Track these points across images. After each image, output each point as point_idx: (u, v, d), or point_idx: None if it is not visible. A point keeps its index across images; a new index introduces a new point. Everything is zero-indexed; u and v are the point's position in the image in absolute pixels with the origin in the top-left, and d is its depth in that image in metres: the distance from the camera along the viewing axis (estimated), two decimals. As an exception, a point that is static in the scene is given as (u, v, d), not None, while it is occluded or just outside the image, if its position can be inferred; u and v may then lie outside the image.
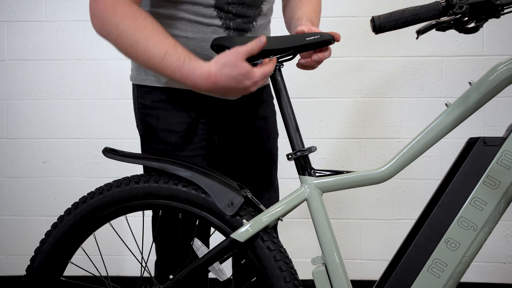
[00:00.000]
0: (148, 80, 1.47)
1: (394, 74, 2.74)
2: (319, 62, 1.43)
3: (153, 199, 1.37)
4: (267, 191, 1.61)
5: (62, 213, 1.41)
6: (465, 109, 1.25)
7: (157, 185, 1.36)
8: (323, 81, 2.75)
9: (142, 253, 1.45)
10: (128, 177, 1.40)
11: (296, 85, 2.73)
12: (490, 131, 2.68)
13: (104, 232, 1.46)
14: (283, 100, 1.35)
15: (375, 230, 2.77)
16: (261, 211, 1.35)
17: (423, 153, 1.29)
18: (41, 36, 2.81)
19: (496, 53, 2.68)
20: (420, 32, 1.17)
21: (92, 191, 1.41)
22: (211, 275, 1.37)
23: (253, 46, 1.26)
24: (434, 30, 1.19)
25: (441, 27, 1.19)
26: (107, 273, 1.56)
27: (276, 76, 1.36)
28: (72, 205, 1.41)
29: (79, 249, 1.43)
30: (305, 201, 1.32)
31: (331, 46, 1.42)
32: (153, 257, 1.57)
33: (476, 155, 1.24)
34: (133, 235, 1.47)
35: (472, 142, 1.27)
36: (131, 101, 1.56)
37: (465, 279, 2.76)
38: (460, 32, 1.18)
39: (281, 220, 1.35)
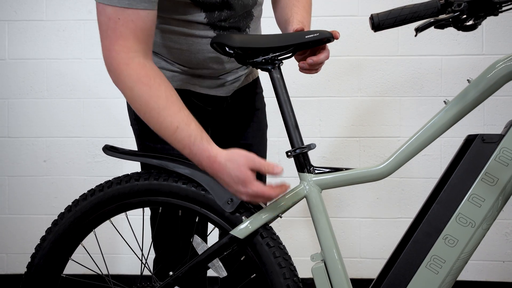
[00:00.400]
0: None
1: (393, 73, 2.74)
2: (319, 64, 1.43)
3: (153, 196, 1.38)
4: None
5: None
6: (464, 107, 1.26)
7: (157, 182, 1.37)
8: (323, 80, 2.76)
9: (142, 250, 1.45)
10: (128, 174, 1.41)
11: (296, 84, 2.74)
12: (490, 130, 2.69)
13: (98, 231, 1.47)
14: (282, 98, 1.36)
15: (375, 229, 2.78)
16: (260, 208, 1.35)
17: (423, 151, 1.29)
18: (42, 35, 2.82)
19: (495, 52, 2.69)
20: (418, 30, 1.18)
21: (92, 188, 1.41)
22: (210, 273, 1.38)
23: (267, 168, 1.25)
24: (434, 29, 1.20)
25: (440, 25, 1.20)
26: (108, 271, 1.57)
27: (275, 74, 1.36)
28: (72, 202, 1.42)
29: (79, 247, 1.43)
30: (305, 198, 1.32)
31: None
32: (151, 255, 1.57)
33: (474, 152, 1.25)
34: (133, 232, 1.48)
35: (470, 139, 1.28)
36: None
37: (464, 277, 2.77)
38: (458, 29, 1.19)
39: (281, 217, 1.35)
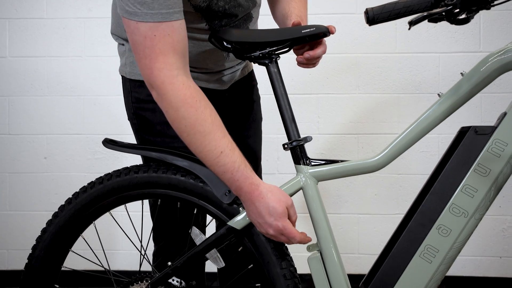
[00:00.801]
0: None
1: (391, 71, 2.76)
2: (316, 58, 1.45)
3: (152, 188, 1.40)
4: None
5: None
6: (457, 99, 1.28)
7: (156, 175, 1.39)
8: (321, 77, 2.78)
9: (141, 242, 1.47)
10: (127, 167, 1.43)
11: (295, 81, 2.76)
12: (487, 127, 2.70)
13: (98, 227, 1.49)
14: (279, 91, 1.37)
15: (372, 225, 2.79)
16: None
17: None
18: (42, 33, 2.84)
19: (492, 50, 2.69)
20: (412, 23, 1.20)
21: (92, 181, 1.43)
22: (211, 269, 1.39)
23: (299, 238, 1.27)
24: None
25: (433, 19, 1.22)
26: (108, 263, 1.59)
27: (272, 68, 1.38)
28: (72, 195, 1.44)
29: (80, 241, 1.45)
30: (301, 190, 1.34)
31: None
32: (151, 250, 1.60)
33: (467, 144, 1.27)
34: (132, 224, 1.50)
35: (463, 131, 1.30)
36: None
37: (462, 273, 2.79)
38: (451, 23, 1.21)
39: (277, 209, 1.37)
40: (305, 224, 2.82)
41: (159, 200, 1.47)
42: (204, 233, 1.53)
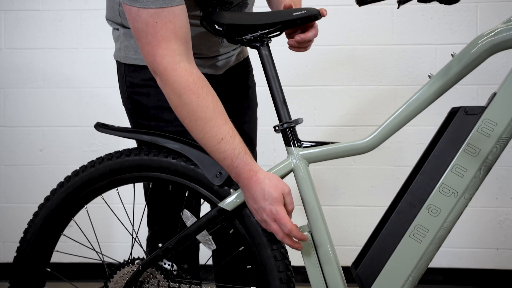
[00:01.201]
0: (139, 60, 1.47)
1: (388, 62, 2.76)
2: (307, 41, 1.45)
3: (143, 171, 1.40)
4: None
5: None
6: (447, 80, 1.27)
7: (147, 158, 1.39)
8: (317, 69, 2.78)
9: (133, 225, 1.47)
10: (119, 150, 1.43)
11: (291, 74, 2.76)
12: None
13: (92, 217, 1.50)
14: (270, 74, 1.37)
15: (369, 217, 2.79)
16: None
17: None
18: (38, 25, 2.84)
19: (489, 41, 2.70)
20: (401, 2, 1.20)
21: (84, 165, 1.44)
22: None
23: (290, 227, 1.25)
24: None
25: (423, -1, 1.21)
26: (100, 249, 1.59)
27: (263, 51, 1.38)
28: (64, 179, 1.44)
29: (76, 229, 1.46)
30: (292, 172, 1.34)
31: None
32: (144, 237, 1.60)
33: (457, 124, 1.27)
34: (124, 208, 1.50)
35: (454, 112, 1.30)
36: None
37: (458, 265, 2.79)
38: (441, 3, 1.20)
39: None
40: (301, 217, 2.82)
41: (151, 183, 1.46)
42: (198, 217, 1.53)
